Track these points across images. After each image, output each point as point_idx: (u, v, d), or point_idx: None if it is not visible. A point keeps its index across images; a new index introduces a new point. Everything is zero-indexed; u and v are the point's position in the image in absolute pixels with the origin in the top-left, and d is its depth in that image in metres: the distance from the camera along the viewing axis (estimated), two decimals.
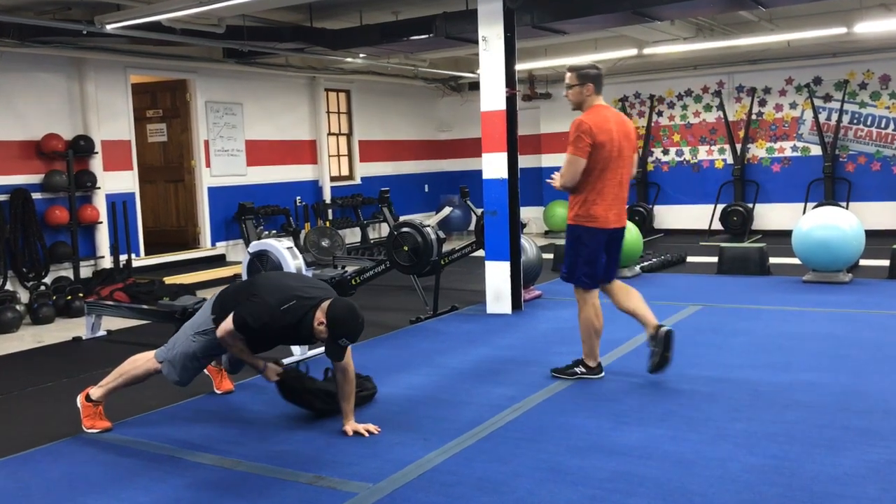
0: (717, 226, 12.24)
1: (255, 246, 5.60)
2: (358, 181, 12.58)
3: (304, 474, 3.53)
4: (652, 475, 3.34)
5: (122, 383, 4.23)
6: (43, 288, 8.08)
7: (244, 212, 5.73)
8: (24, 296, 7.98)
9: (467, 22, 7.22)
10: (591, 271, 4.75)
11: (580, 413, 4.22)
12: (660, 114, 12.99)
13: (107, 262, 8.89)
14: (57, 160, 8.41)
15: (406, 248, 6.95)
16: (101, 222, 8.81)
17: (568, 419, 4.12)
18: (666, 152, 13.02)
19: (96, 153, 8.75)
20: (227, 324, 3.88)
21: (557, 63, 11.66)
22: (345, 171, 12.61)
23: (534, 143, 13.33)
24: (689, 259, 9.93)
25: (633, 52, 10.74)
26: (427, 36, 8.03)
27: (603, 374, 4.87)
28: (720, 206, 12.27)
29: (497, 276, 6.97)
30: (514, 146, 6.85)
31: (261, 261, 5.53)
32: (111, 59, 8.95)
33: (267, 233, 10.61)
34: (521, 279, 7.04)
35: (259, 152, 10.95)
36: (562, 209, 13.30)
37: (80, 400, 4.28)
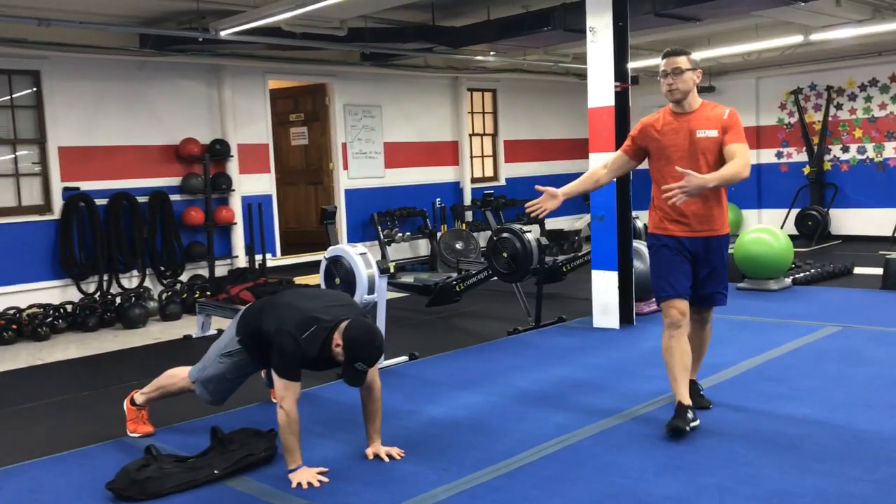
0: None
1: (331, 251, 5.47)
2: (502, 182, 12.28)
3: (295, 500, 3.31)
4: None
5: (159, 396, 4.22)
6: (178, 286, 8.48)
7: (326, 216, 5.65)
8: (164, 294, 8.39)
9: (584, 12, 6.71)
10: None
11: (629, 451, 3.69)
12: (839, 107, 11.64)
13: (242, 262, 9.20)
14: (194, 163, 8.80)
15: (505, 255, 6.59)
16: (235, 223, 9.12)
17: (612, 458, 3.62)
18: (846, 149, 11.65)
19: (232, 156, 9.06)
20: (280, 384, 3.56)
21: (720, 53, 10.71)
22: (489, 172, 12.35)
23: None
24: (858, 270, 8.76)
25: (798, 38, 9.65)
26: (546, 29, 7.58)
27: None
28: None
29: (604, 287, 6.43)
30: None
31: (336, 266, 5.39)
32: (249, 66, 9.24)
33: (401, 234, 10.60)
34: (632, 291, 6.46)
35: (398, 154, 10.94)
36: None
37: (126, 403, 4.33)
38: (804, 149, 11.89)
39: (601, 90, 6.31)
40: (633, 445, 3.76)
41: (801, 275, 8.21)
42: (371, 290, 5.27)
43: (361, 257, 5.31)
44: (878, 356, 5.13)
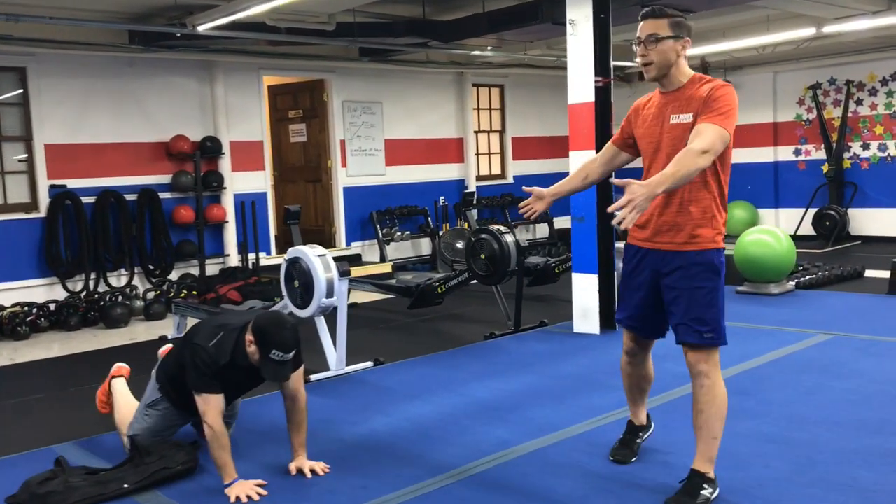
0: None
1: (290, 253, 5.30)
2: (510, 180, 12.01)
3: None
4: None
5: (114, 413, 4.10)
6: (165, 285, 8.38)
7: (289, 216, 5.50)
8: (150, 292, 8.31)
9: None
10: None
11: (563, 471, 3.45)
12: (859, 102, 11.16)
13: (234, 261, 9.09)
14: (185, 161, 8.70)
15: (483, 257, 6.36)
16: (227, 221, 9.01)
17: (542, 479, 3.39)
18: (866, 147, 11.18)
19: (223, 154, 8.95)
20: (200, 401, 3.42)
21: (731, 47, 10.32)
22: (496, 170, 12.09)
23: None
24: (869, 273, 8.36)
25: (810, 31, 9.25)
26: (534, 23, 7.33)
27: None
28: None
29: (584, 290, 6.19)
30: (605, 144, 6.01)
31: (294, 268, 5.22)
32: (243, 62, 9.11)
33: (401, 233, 10.41)
34: (614, 295, 6.18)
35: (399, 151, 10.74)
36: (741, 210, 11.89)
37: (105, 384, 4.24)
38: (823, 146, 11.45)
39: (581, 86, 6.06)
40: (569, 465, 3.52)
41: (806, 278, 7.85)
42: (330, 294, 5.08)
43: (320, 259, 5.13)
44: (863, 368, 4.81)
